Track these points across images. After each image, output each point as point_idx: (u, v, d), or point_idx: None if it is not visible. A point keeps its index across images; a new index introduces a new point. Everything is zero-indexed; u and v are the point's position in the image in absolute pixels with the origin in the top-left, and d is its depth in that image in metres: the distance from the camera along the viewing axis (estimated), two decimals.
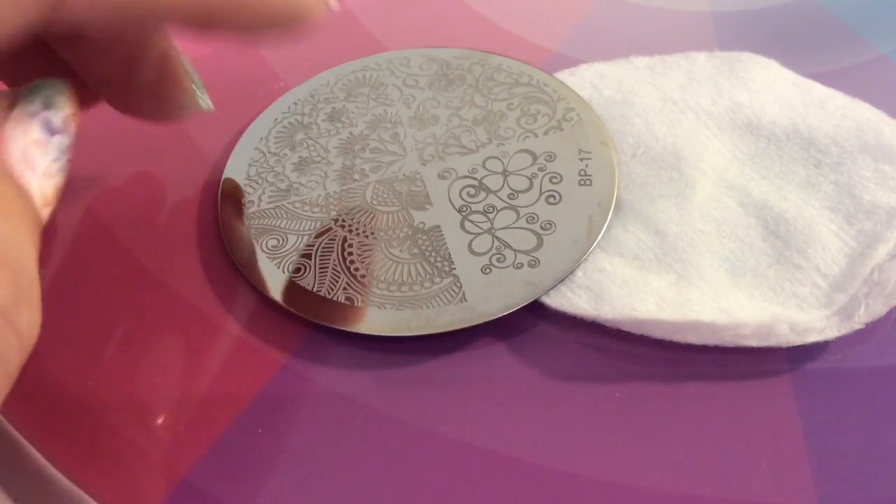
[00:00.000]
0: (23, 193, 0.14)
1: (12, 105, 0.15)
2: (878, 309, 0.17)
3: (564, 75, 0.22)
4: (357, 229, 0.19)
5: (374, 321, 0.17)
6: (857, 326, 0.17)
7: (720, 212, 0.19)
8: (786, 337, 0.16)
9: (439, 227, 0.19)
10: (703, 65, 0.22)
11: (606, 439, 0.16)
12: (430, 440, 0.16)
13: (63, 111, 0.15)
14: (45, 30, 0.14)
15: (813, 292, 0.17)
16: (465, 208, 0.19)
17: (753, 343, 0.17)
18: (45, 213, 0.14)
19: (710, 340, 0.17)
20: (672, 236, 0.18)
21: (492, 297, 0.17)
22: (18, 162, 0.14)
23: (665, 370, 0.17)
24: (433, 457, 0.16)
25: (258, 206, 0.20)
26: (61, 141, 0.15)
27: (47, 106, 0.15)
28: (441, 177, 0.20)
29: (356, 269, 0.18)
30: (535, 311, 0.18)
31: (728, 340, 0.17)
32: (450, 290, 0.18)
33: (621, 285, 0.17)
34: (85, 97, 0.16)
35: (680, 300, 0.17)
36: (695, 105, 0.21)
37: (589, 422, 0.16)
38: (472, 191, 0.20)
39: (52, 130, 0.15)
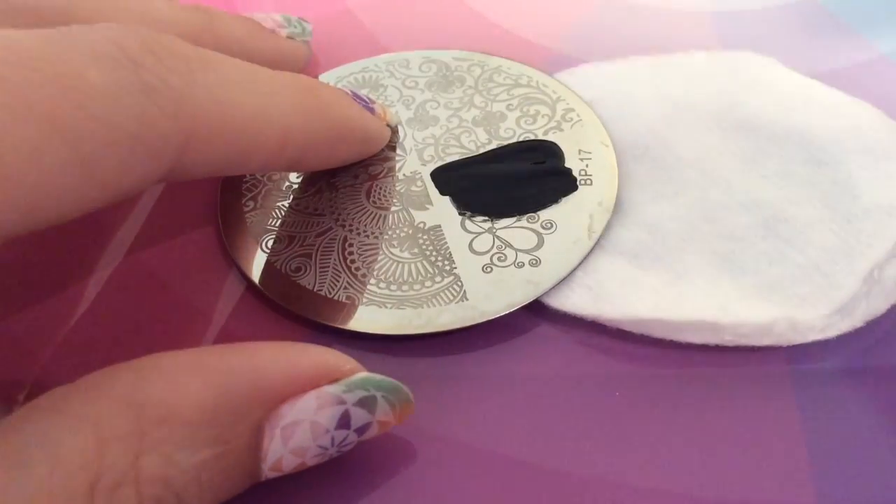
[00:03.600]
0: (254, 453, 0.13)
1: (335, 379, 0.14)
2: (879, 307, 0.17)
3: (564, 75, 0.22)
4: (357, 229, 0.19)
5: (375, 320, 0.17)
6: (858, 325, 0.17)
7: (720, 211, 0.19)
8: (786, 336, 0.16)
9: (440, 226, 0.19)
10: (703, 64, 0.22)
11: (606, 439, 0.16)
12: (429, 440, 0.16)
13: (373, 416, 0.14)
14: (169, 177, 0.14)
15: (813, 292, 0.17)
16: None
17: (753, 342, 0.17)
18: (268, 475, 0.14)
19: (711, 340, 0.17)
20: (672, 236, 0.18)
21: (493, 296, 0.17)
22: (286, 427, 0.13)
23: (665, 370, 0.17)
24: (433, 456, 0.16)
25: (258, 206, 0.20)
26: (345, 438, 0.14)
27: (363, 404, 0.14)
28: None
29: (357, 269, 0.18)
30: (536, 310, 0.18)
31: (728, 340, 0.17)
32: (451, 289, 0.18)
33: (621, 285, 0.17)
34: (406, 411, 0.15)
35: (680, 299, 0.17)
36: (695, 104, 0.21)
37: (589, 421, 0.16)
38: None
39: (345, 424, 0.14)
